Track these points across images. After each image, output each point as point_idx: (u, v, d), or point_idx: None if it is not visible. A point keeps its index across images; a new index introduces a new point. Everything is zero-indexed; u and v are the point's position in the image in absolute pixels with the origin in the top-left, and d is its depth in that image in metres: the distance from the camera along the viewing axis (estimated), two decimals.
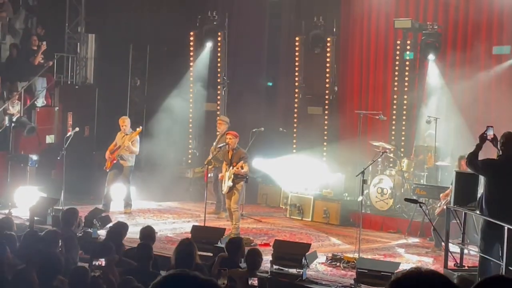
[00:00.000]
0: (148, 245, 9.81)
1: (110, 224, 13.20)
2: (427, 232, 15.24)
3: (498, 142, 10.42)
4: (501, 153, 10.40)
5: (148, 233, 10.89)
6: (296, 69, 19.74)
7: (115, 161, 17.00)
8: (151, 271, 9.21)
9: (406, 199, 14.59)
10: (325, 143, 19.29)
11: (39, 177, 18.12)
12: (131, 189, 17.39)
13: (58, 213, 14.25)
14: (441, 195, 14.67)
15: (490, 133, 10.41)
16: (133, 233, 14.23)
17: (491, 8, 17.28)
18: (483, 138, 10.47)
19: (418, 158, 17.35)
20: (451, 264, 11.59)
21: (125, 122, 17.25)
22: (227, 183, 14.75)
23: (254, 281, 9.21)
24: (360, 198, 14.65)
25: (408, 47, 18.16)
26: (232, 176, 14.65)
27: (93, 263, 8.88)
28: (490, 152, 11.22)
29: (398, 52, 18.34)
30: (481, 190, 11.02)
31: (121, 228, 11.49)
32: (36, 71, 19.87)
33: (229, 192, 14.80)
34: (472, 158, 10.52)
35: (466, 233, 13.04)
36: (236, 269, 9.53)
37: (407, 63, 18.20)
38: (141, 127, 17.62)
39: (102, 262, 8.79)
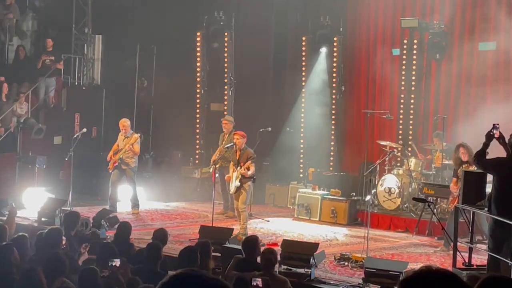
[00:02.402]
0: (158, 245, 9.84)
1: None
2: (435, 231, 15.22)
3: (507, 141, 10.40)
4: (510, 152, 10.37)
5: (161, 236, 10.91)
6: (303, 68, 19.74)
7: (116, 164, 16.96)
8: (159, 271, 9.22)
9: (414, 199, 14.58)
10: (332, 143, 19.29)
11: (47, 178, 18.14)
12: (138, 189, 17.39)
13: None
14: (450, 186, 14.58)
15: (496, 131, 10.40)
16: (142, 233, 14.31)
17: (500, 5, 17.26)
18: (489, 136, 10.45)
19: (426, 156, 17.36)
20: (460, 263, 11.56)
21: (125, 124, 17.18)
22: (234, 183, 14.74)
23: (258, 282, 9.19)
24: (367, 198, 14.66)
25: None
26: (240, 176, 14.65)
27: (109, 263, 8.89)
28: (497, 150, 11.19)
29: (405, 51, 18.33)
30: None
31: (125, 228, 11.51)
32: (43, 72, 19.91)
33: (236, 192, 14.80)
34: (480, 157, 10.51)
35: (480, 225, 13.02)
36: (253, 272, 9.49)
37: (414, 62, 18.17)
38: (139, 134, 17.56)
39: (117, 262, 8.79)
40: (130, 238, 11.73)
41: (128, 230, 11.48)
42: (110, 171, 17.08)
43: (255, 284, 9.14)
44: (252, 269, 9.64)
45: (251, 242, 10.49)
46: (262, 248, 10.48)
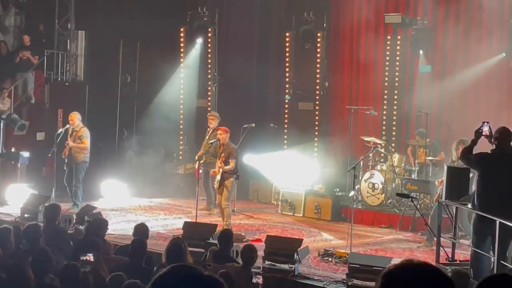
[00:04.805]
0: (142, 241, 9.85)
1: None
2: (418, 226, 15.25)
3: (492, 138, 10.43)
4: (494, 147, 10.41)
5: (142, 230, 10.92)
6: (287, 64, 19.74)
7: (66, 160, 16.45)
8: (145, 267, 9.21)
9: (398, 194, 14.62)
10: (316, 139, 19.29)
11: (30, 174, 18.07)
12: (80, 188, 16.76)
13: None
14: (436, 182, 14.57)
15: (485, 129, 10.43)
16: (125, 229, 14.28)
17: (481, 2, 17.31)
18: (478, 133, 10.49)
19: (407, 149, 17.40)
20: (443, 258, 11.59)
21: (71, 117, 16.75)
22: (217, 178, 14.77)
23: (259, 280, 9.21)
24: (351, 193, 14.67)
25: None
26: (220, 171, 14.66)
27: (81, 258, 8.86)
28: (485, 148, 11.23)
29: (388, 48, 18.33)
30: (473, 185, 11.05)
31: (96, 224, 11.47)
32: (24, 68, 19.80)
33: (219, 188, 14.77)
34: (466, 152, 10.55)
35: (461, 223, 13.06)
36: (232, 264, 9.52)
37: (398, 58, 18.20)
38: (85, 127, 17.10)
39: (90, 257, 8.76)
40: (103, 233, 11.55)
41: (99, 225, 11.41)
42: (65, 168, 16.64)
43: (255, 281, 9.16)
44: (227, 261, 9.72)
45: (227, 235, 10.60)
46: (243, 244, 10.56)
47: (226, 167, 14.61)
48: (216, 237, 12.47)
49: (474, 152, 10.57)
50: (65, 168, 16.65)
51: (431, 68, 17.91)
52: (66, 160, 16.44)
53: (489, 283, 3.35)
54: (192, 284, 2.96)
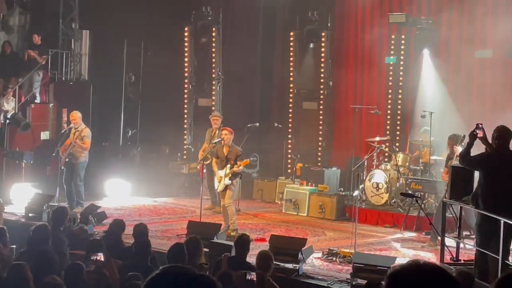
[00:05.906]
0: (147, 241, 9.85)
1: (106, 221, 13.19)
2: (422, 226, 15.24)
3: (491, 137, 10.43)
4: (494, 147, 10.42)
5: (141, 229, 10.94)
6: (291, 64, 19.74)
7: (67, 159, 16.43)
8: (150, 266, 9.21)
9: (402, 194, 14.61)
10: (320, 138, 19.30)
11: (34, 173, 18.08)
12: (82, 187, 16.63)
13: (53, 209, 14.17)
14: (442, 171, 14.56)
15: (479, 131, 10.44)
16: (129, 229, 14.27)
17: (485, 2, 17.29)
18: (473, 136, 10.50)
19: (413, 154, 17.37)
20: (447, 258, 11.58)
21: (75, 117, 16.69)
22: (224, 181, 14.60)
23: (252, 276, 9.18)
24: (355, 193, 14.66)
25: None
26: (230, 174, 14.55)
27: (91, 258, 8.86)
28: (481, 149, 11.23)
29: (392, 47, 18.34)
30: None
31: (118, 227, 11.50)
32: (30, 67, 19.82)
33: (224, 190, 14.67)
34: (465, 155, 10.56)
35: (469, 220, 13.06)
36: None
37: (402, 57, 18.19)
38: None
39: (100, 257, 8.76)
40: (121, 235, 11.58)
41: (121, 228, 11.46)
42: (62, 167, 16.57)
43: (249, 278, 9.12)
44: (243, 268, 9.64)
45: (245, 240, 10.47)
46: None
47: (237, 169, 14.54)
48: (220, 236, 12.50)
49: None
50: (62, 168, 16.54)
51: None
52: (66, 159, 16.35)
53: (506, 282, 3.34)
54: (184, 284, 2.96)
